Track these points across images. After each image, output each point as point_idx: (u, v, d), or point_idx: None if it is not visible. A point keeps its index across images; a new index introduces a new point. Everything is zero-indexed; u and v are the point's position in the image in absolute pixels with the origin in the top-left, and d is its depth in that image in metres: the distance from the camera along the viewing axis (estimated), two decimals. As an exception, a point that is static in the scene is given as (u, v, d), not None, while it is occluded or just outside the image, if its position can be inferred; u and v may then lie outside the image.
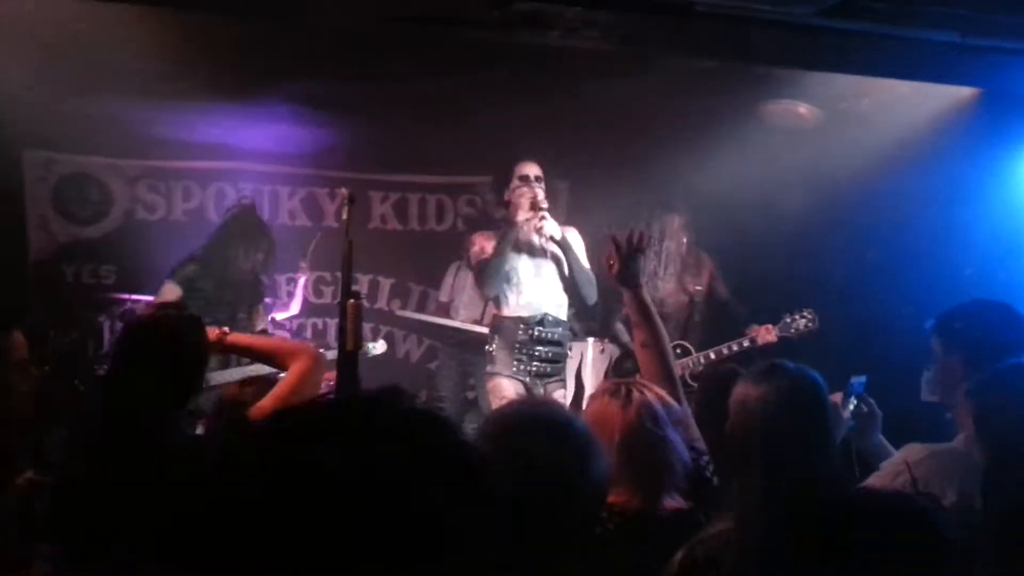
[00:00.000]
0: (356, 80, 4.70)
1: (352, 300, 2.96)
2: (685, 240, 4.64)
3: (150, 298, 5.09)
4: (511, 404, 2.02)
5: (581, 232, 6.52)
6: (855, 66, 2.87)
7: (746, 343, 4.37)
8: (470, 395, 6.38)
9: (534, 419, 1.57)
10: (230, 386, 2.65)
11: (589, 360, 5.63)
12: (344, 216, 3.03)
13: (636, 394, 2.11)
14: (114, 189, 6.20)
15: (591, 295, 4.36)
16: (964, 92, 3.81)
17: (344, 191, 3.14)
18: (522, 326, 4.29)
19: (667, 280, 4.68)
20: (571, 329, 5.77)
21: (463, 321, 6.12)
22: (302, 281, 5.47)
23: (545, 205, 4.25)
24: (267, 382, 2.50)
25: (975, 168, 4.10)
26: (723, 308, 4.58)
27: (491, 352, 4.36)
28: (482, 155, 6.47)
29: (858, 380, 2.97)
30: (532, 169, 4.38)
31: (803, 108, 4.29)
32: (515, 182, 4.35)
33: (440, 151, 6.33)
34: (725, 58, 3.06)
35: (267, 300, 5.18)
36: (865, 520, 1.17)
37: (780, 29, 2.24)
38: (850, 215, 4.44)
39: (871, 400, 2.74)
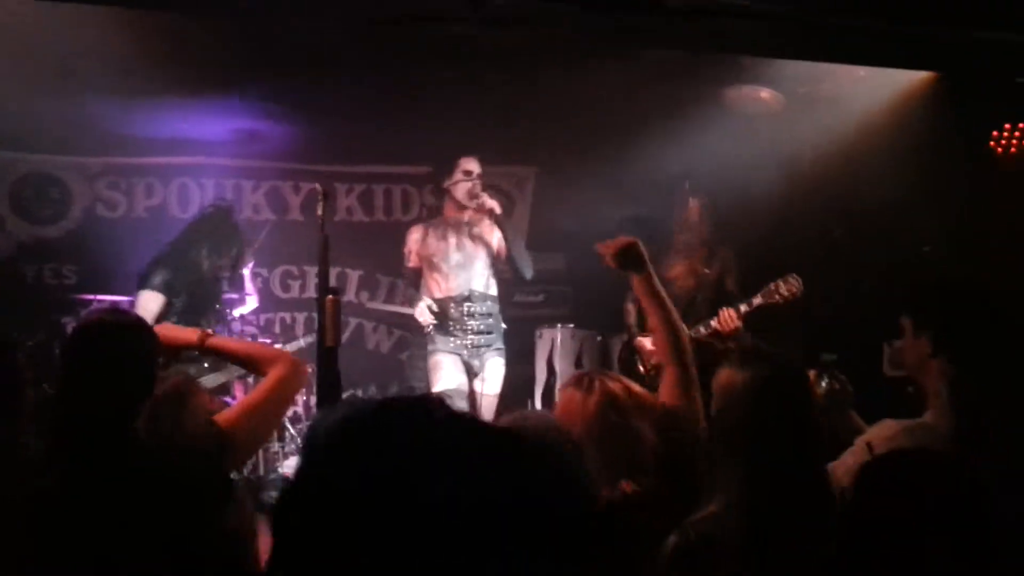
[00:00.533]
0: (319, 74, 4.67)
1: (331, 296, 2.98)
2: (701, 225, 4.61)
3: (116, 298, 5.04)
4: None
5: (547, 214, 6.63)
6: (821, 52, 2.94)
7: (703, 330, 4.38)
8: (441, 384, 6.43)
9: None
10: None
11: (559, 344, 5.71)
12: (319, 211, 3.04)
13: (598, 383, 2.17)
14: (73, 187, 6.10)
15: (526, 270, 4.70)
16: (922, 75, 3.90)
17: (317, 187, 3.15)
18: (452, 304, 4.58)
19: (678, 263, 4.65)
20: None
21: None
22: (248, 273, 5.37)
23: (482, 199, 4.50)
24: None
25: (933, 148, 4.20)
26: (725, 300, 4.59)
27: (429, 332, 4.59)
28: (447, 145, 6.48)
29: (829, 357, 3.05)
30: (474, 165, 4.61)
31: (765, 93, 4.35)
32: (457, 175, 4.59)
33: (404, 141, 6.32)
34: (694, 49, 3.11)
35: (224, 297, 5.06)
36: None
37: (749, 19, 2.29)
38: (815, 195, 4.53)
39: (843, 377, 2.81)
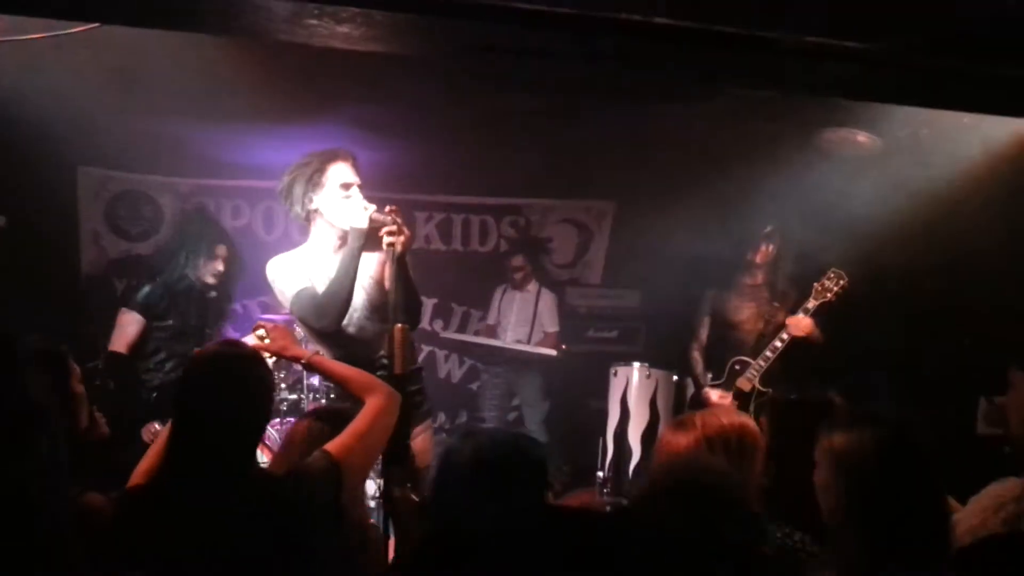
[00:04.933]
0: (403, 103, 4.72)
1: (399, 325, 2.97)
2: (774, 268, 4.69)
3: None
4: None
5: (624, 250, 6.56)
6: (929, 99, 2.83)
7: (778, 344, 4.44)
8: (511, 416, 6.39)
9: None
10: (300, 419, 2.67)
11: (634, 383, 5.60)
12: (390, 241, 3.00)
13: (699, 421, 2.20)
14: (165, 206, 6.30)
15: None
16: (1026, 123, 3.74)
17: (381, 214, 3.08)
18: None
19: (746, 305, 4.72)
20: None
21: (510, 342, 6.14)
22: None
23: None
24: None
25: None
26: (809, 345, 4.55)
27: None
28: (528, 178, 6.50)
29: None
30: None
31: (862, 136, 4.24)
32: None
33: (485, 172, 6.35)
34: (802, 92, 3.03)
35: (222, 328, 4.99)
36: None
37: (851, 61, 2.22)
38: (912, 243, 4.37)
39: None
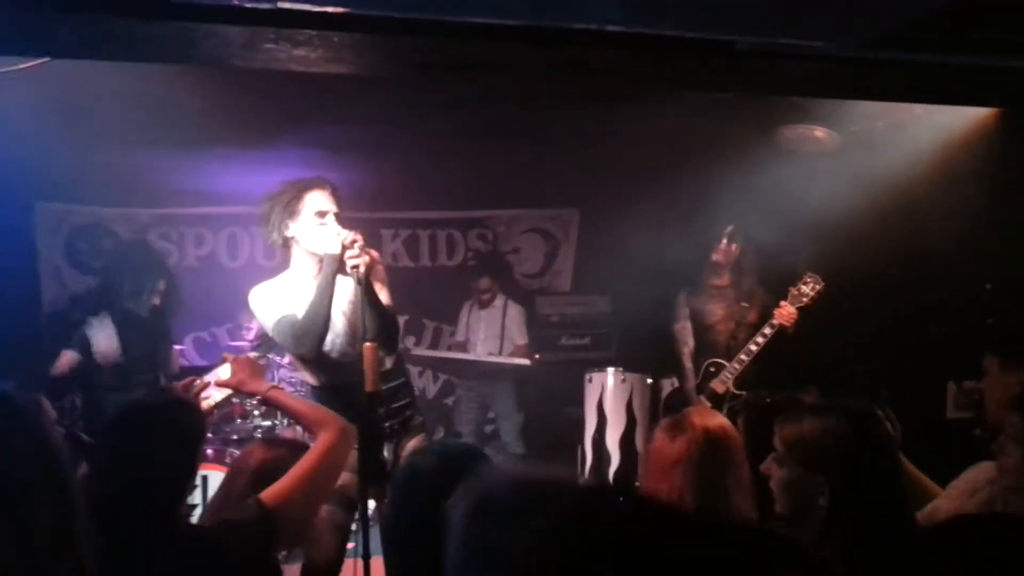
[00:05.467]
0: (365, 122, 4.71)
1: (368, 343, 2.96)
2: (741, 270, 4.69)
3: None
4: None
5: (591, 257, 6.60)
6: (884, 92, 2.88)
7: (768, 330, 4.43)
8: (488, 429, 6.37)
9: None
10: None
11: (610, 389, 5.61)
12: (355, 260, 2.99)
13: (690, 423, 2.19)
14: (125, 238, 6.21)
15: None
16: (980, 112, 3.81)
17: (348, 239, 3.05)
18: None
19: (717, 307, 4.72)
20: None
21: (482, 355, 6.13)
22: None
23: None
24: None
25: (993, 185, 4.09)
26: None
27: None
28: (492, 189, 6.51)
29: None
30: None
31: (820, 132, 4.29)
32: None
33: (449, 186, 6.35)
34: (761, 91, 3.07)
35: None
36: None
37: (816, 61, 2.25)
38: (869, 235, 4.43)
39: (892, 414, 2.73)
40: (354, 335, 3.25)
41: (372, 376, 2.93)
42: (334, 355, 3.27)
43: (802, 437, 1.90)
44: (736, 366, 4.54)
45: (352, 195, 6.27)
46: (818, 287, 4.39)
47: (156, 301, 4.70)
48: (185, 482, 1.99)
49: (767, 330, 4.44)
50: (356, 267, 3.01)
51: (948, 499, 2.26)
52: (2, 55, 2.74)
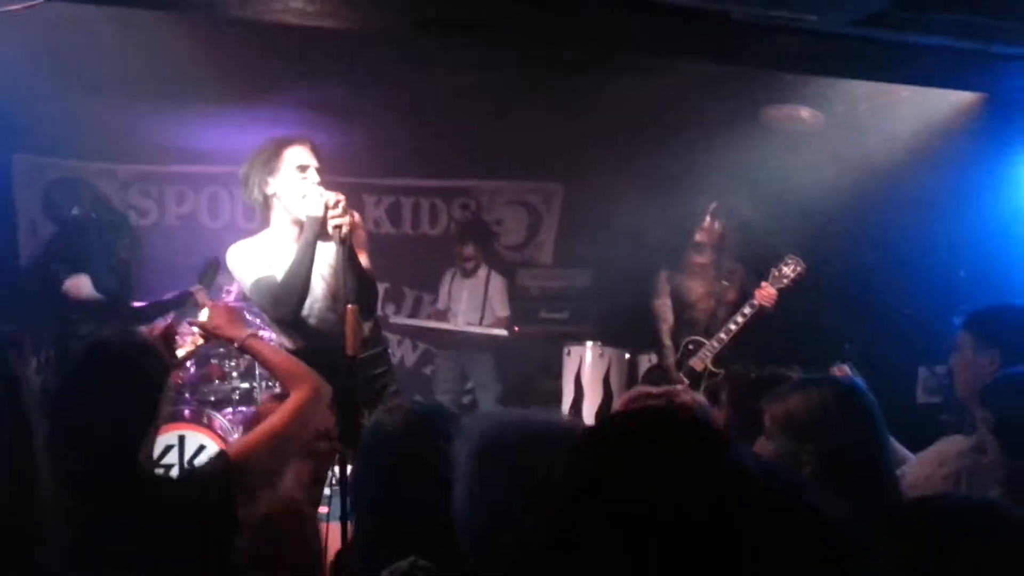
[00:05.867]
0: (353, 84, 4.69)
1: (350, 305, 2.95)
2: (723, 248, 4.68)
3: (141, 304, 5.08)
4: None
5: (573, 231, 6.61)
6: (869, 72, 2.91)
7: (748, 310, 4.45)
8: (466, 399, 6.40)
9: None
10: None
11: (587, 362, 5.67)
12: (337, 221, 2.95)
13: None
14: (105, 194, 6.14)
15: None
16: (964, 96, 3.84)
17: (331, 200, 2.99)
18: None
19: (697, 284, 4.72)
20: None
21: (461, 325, 6.14)
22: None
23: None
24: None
25: (972, 171, 4.15)
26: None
27: None
28: (476, 160, 6.50)
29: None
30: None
31: (805, 112, 4.32)
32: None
33: (433, 154, 6.33)
34: (753, 64, 3.08)
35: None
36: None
37: (805, 36, 2.27)
38: (849, 218, 4.48)
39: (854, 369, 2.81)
40: (334, 299, 3.24)
41: (353, 339, 2.93)
42: (312, 320, 3.25)
43: (788, 411, 1.94)
44: (715, 344, 4.57)
45: (337, 158, 6.31)
46: (799, 269, 4.39)
47: (123, 255, 4.93)
48: (143, 427, 1.96)
49: (747, 310, 4.46)
50: (339, 227, 2.96)
51: (919, 466, 2.33)
52: (-11, -4, 2.70)
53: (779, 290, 4.41)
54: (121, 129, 5.41)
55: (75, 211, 5.86)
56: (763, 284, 4.44)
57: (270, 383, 5.29)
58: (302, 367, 2.38)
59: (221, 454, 2.05)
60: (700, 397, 2.26)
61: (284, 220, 3.23)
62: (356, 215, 3.15)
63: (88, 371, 1.94)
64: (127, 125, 5.34)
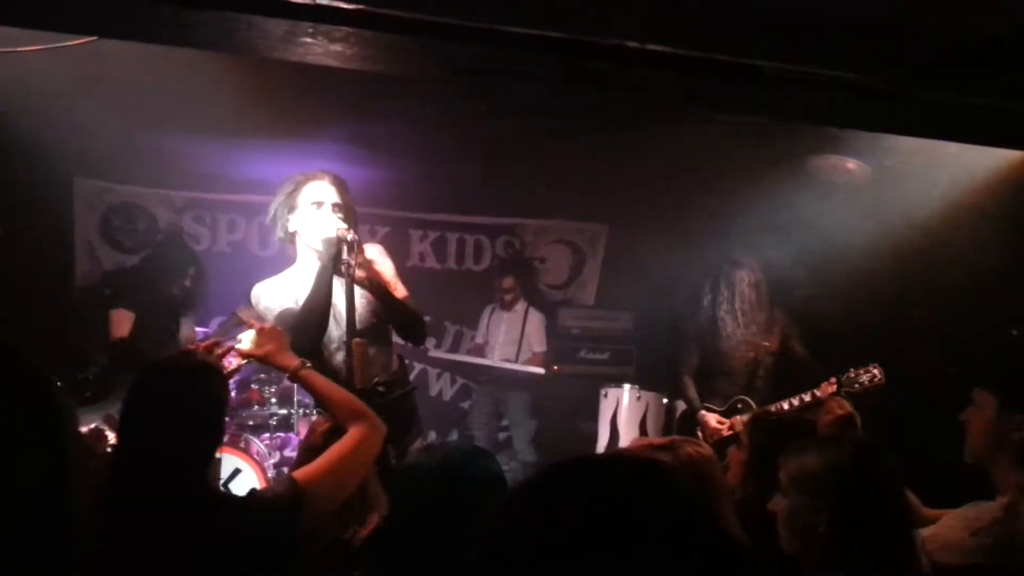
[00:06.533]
0: (403, 122, 4.77)
1: (357, 339, 2.95)
2: (755, 297, 4.58)
3: (201, 330, 5.19)
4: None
5: (616, 273, 6.60)
6: (909, 127, 2.88)
7: (807, 398, 4.19)
8: (501, 436, 6.39)
9: None
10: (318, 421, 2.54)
11: (624, 405, 5.61)
12: (344, 256, 2.97)
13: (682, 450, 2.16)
14: (160, 219, 6.33)
15: None
16: (1017, 154, 3.78)
17: (343, 230, 3.01)
18: None
19: (734, 336, 4.62)
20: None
21: (497, 361, 6.15)
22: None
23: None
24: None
25: (1019, 229, 4.05)
26: (798, 365, 4.51)
27: None
28: (522, 198, 6.54)
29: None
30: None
31: (851, 163, 4.27)
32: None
33: (480, 192, 6.39)
34: (783, 118, 3.07)
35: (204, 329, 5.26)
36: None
37: (841, 91, 2.26)
38: (898, 273, 4.40)
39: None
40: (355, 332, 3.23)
41: (361, 372, 2.94)
42: (334, 347, 3.22)
43: (803, 467, 1.91)
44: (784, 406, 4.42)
45: (383, 193, 6.40)
46: (876, 380, 4.03)
47: (187, 283, 5.00)
48: (211, 446, 1.99)
49: (807, 397, 4.19)
50: (347, 264, 2.96)
51: (949, 529, 2.26)
52: (49, 31, 2.81)
53: (847, 394, 4.01)
54: (176, 158, 5.58)
55: (142, 228, 6.16)
56: (832, 380, 4.14)
57: (307, 410, 5.35)
58: (359, 402, 2.35)
59: (292, 480, 2.05)
60: (705, 448, 2.21)
61: (307, 256, 3.25)
62: (365, 252, 3.11)
63: (155, 393, 1.96)
64: (182, 154, 5.51)
